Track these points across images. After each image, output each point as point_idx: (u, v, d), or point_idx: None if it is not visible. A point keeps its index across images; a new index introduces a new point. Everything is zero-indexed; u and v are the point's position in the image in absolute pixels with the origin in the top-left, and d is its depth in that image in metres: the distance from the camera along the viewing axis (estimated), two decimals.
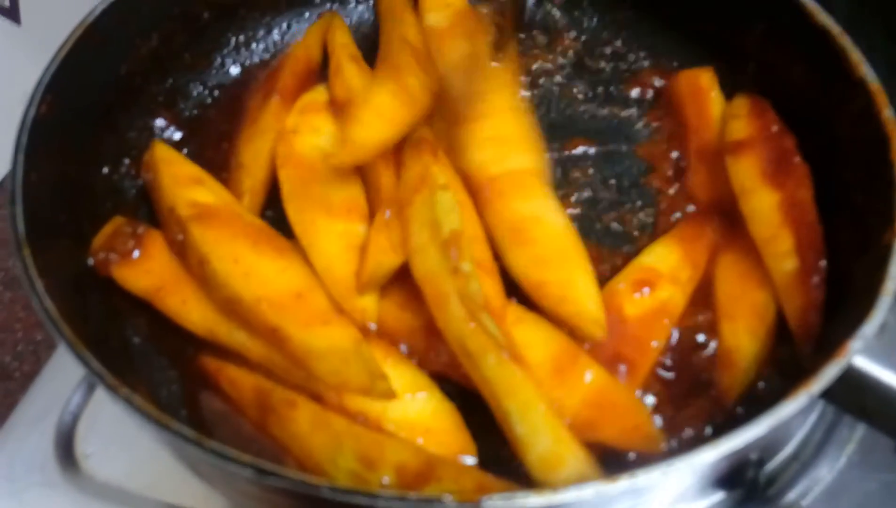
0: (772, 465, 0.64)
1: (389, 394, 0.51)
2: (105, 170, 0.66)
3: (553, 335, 0.56)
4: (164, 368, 0.59)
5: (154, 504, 0.61)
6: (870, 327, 0.46)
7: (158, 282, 0.59)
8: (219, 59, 0.78)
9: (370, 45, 0.75)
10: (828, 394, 0.46)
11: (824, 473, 0.64)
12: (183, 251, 0.59)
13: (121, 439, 0.64)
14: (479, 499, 0.40)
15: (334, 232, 0.60)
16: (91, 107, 0.65)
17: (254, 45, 0.80)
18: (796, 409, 0.43)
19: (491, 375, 0.50)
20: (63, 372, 0.69)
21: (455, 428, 0.53)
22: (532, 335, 0.55)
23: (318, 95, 0.72)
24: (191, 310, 0.58)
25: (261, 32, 0.80)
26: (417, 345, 0.56)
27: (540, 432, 0.48)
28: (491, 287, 0.56)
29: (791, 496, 0.63)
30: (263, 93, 0.72)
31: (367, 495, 0.40)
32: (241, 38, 0.79)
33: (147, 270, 0.60)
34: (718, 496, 0.62)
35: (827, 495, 0.63)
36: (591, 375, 0.53)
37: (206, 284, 0.57)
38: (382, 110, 0.62)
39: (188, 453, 0.44)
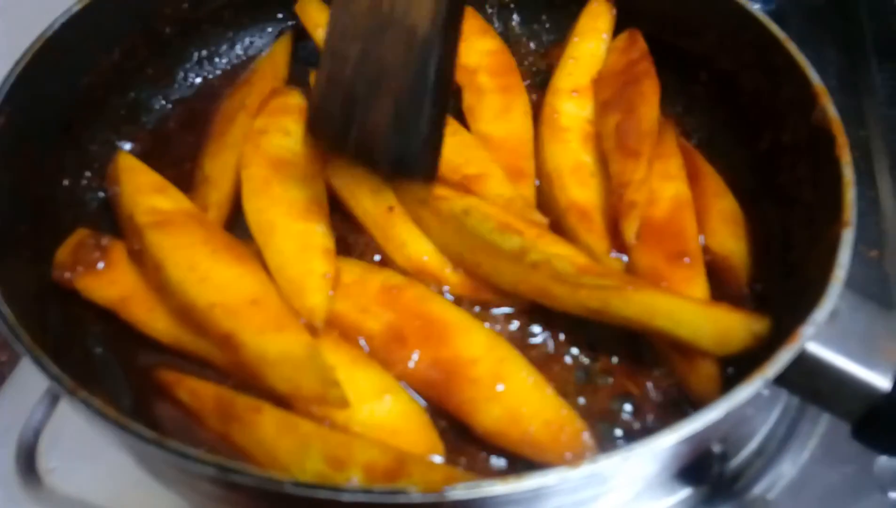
0: (737, 461, 0.65)
1: (343, 402, 0.51)
2: (66, 182, 0.66)
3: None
4: (125, 377, 0.58)
5: None
6: (821, 313, 0.48)
7: (123, 292, 0.59)
8: (181, 74, 0.79)
9: None
10: (782, 380, 0.47)
11: (788, 467, 0.65)
12: (141, 259, 0.59)
13: (84, 453, 0.63)
14: (444, 489, 0.40)
15: (292, 232, 0.61)
16: (51, 119, 0.65)
17: (217, 60, 0.81)
18: (752, 393, 0.44)
19: (629, 313, 0.54)
20: (25, 387, 0.67)
21: (422, 428, 0.53)
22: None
23: (291, 98, 0.72)
24: (156, 319, 0.58)
25: (224, 47, 0.81)
26: (381, 347, 0.57)
27: (700, 321, 0.53)
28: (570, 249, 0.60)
29: (756, 490, 0.63)
30: (230, 107, 0.73)
31: (331, 489, 0.40)
32: (204, 52, 0.80)
33: (112, 280, 0.59)
34: (686, 492, 0.62)
35: (791, 488, 0.64)
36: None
37: (162, 291, 0.57)
38: None
39: (149, 455, 0.43)
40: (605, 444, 0.54)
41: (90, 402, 0.44)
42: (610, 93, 0.70)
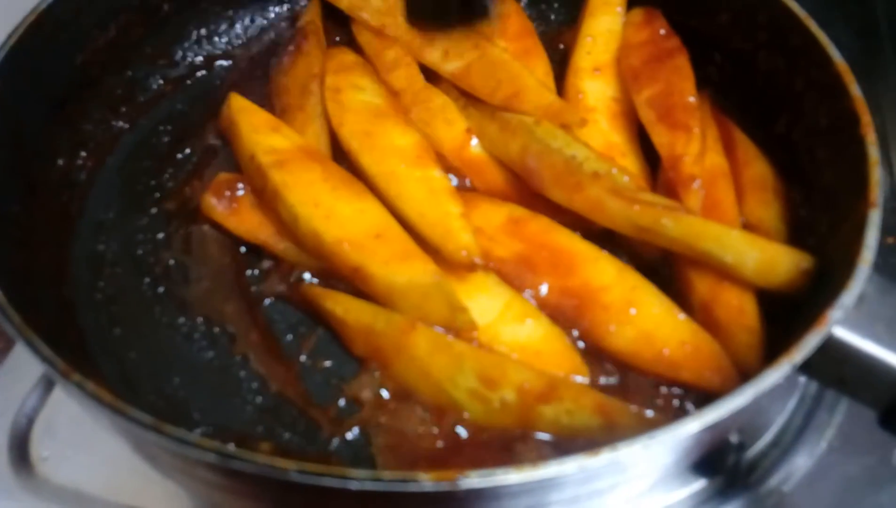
0: (752, 452, 0.63)
1: (471, 326, 0.53)
2: (60, 162, 0.64)
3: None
4: (120, 362, 0.56)
5: (113, 506, 0.58)
6: (848, 296, 0.46)
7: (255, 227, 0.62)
8: (180, 53, 0.76)
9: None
10: (808, 366, 0.45)
11: (805, 459, 0.63)
12: (265, 196, 0.61)
13: (78, 441, 0.61)
14: (457, 477, 0.38)
15: (415, 178, 0.62)
16: (44, 97, 0.63)
17: (216, 39, 0.78)
18: (778, 378, 0.42)
19: (676, 233, 0.55)
20: (18, 374, 0.65)
21: (566, 350, 0.55)
22: None
23: (346, 56, 0.73)
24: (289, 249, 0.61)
25: (223, 26, 0.79)
26: (511, 274, 0.58)
27: (746, 248, 0.53)
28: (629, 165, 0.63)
29: (772, 482, 0.62)
30: (295, 79, 0.71)
31: (338, 477, 0.38)
32: (203, 31, 0.78)
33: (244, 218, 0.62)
34: (700, 483, 0.61)
35: (808, 480, 0.62)
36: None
37: (289, 225, 0.59)
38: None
39: (146, 441, 0.41)
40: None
41: (84, 385, 0.42)
42: (637, 67, 0.69)
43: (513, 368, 0.51)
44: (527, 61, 0.71)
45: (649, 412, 0.50)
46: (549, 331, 0.55)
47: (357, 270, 0.56)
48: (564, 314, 0.57)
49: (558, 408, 0.49)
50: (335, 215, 0.58)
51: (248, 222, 0.62)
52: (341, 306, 0.57)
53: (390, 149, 0.64)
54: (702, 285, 0.56)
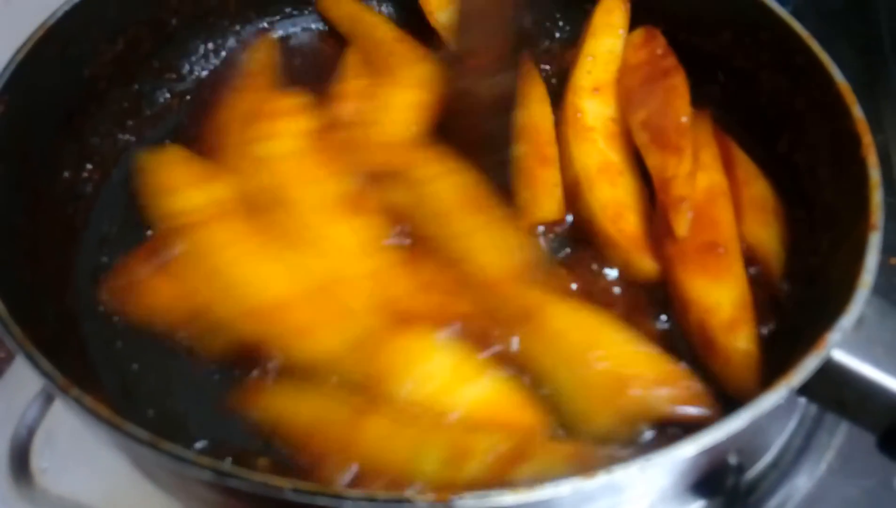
0: (752, 473, 0.63)
1: (389, 400, 0.50)
2: (66, 174, 0.64)
3: None
4: (120, 377, 0.56)
5: None
6: (847, 319, 0.46)
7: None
8: (187, 67, 0.77)
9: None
10: (806, 389, 0.45)
11: (804, 480, 0.63)
12: (170, 268, 0.57)
13: (78, 453, 0.61)
14: (451, 498, 0.38)
15: (339, 230, 0.59)
16: (52, 109, 0.63)
17: (223, 54, 0.79)
18: (776, 401, 0.42)
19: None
20: (20, 385, 0.66)
21: (526, 405, 0.52)
22: None
23: (294, 98, 0.70)
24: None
25: (231, 41, 0.80)
26: (470, 331, 0.55)
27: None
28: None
29: (771, 504, 0.61)
30: (232, 117, 0.69)
31: (332, 496, 0.38)
32: (211, 45, 0.78)
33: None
34: (699, 504, 0.60)
35: (807, 502, 0.61)
36: None
37: (190, 300, 0.56)
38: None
39: (144, 457, 0.41)
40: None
41: (82, 401, 0.42)
42: (633, 88, 0.69)
43: (478, 437, 0.48)
44: (522, 86, 0.70)
45: (622, 451, 0.49)
46: (505, 385, 0.53)
47: (267, 342, 0.53)
48: (531, 363, 0.54)
49: (531, 466, 0.46)
50: (241, 282, 0.55)
51: (158, 306, 0.57)
52: (279, 403, 0.52)
53: (318, 198, 0.61)
54: (698, 307, 0.56)
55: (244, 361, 0.55)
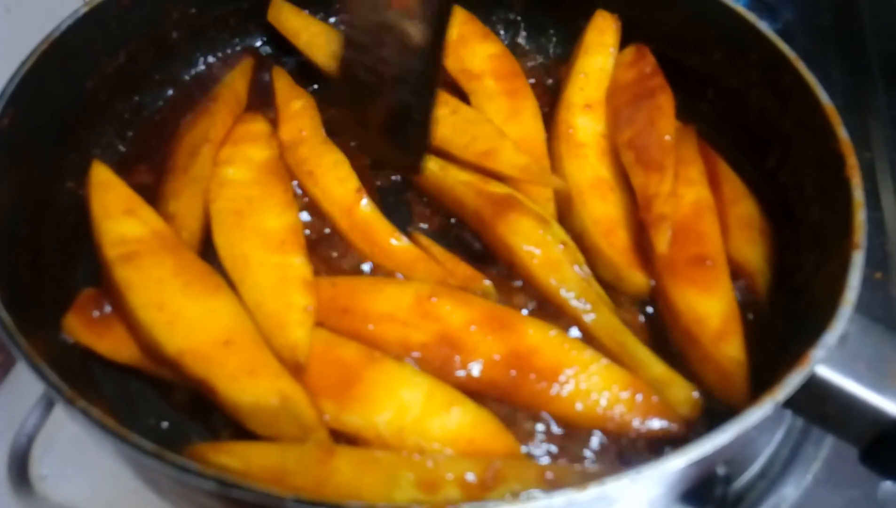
0: (739, 483, 0.64)
1: (328, 444, 0.49)
2: (69, 184, 0.65)
3: None
4: (123, 386, 0.57)
5: None
6: (831, 336, 0.47)
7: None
8: (187, 79, 0.78)
9: None
10: (791, 403, 0.46)
11: (791, 490, 0.64)
12: (110, 289, 0.57)
13: (78, 460, 0.62)
14: None
15: (268, 265, 0.59)
16: (55, 121, 0.64)
17: (224, 67, 0.80)
18: (761, 416, 0.44)
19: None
20: (18, 393, 0.66)
21: (498, 432, 0.52)
22: None
23: (256, 125, 0.71)
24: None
25: (231, 54, 0.80)
26: (433, 359, 0.55)
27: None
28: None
29: None
30: (191, 140, 0.68)
31: (333, 506, 0.39)
32: (211, 58, 0.79)
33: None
34: None
35: None
36: None
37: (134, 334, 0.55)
38: None
39: (148, 467, 0.42)
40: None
41: (89, 412, 0.43)
42: (621, 106, 0.70)
43: (449, 465, 0.47)
44: (514, 101, 0.73)
45: (594, 466, 0.51)
46: (477, 415, 0.52)
47: (202, 382, 0.51)
48: (499, 389, 0.55)
49: (504, 489, 0.47)
50: (181, 319, 0.53)
51: (118, 341, 0.55)
52: (238, 457, 0.49)
53: (254, 231, 0.61)
54: (687, 318, 0.57)
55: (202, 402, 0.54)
